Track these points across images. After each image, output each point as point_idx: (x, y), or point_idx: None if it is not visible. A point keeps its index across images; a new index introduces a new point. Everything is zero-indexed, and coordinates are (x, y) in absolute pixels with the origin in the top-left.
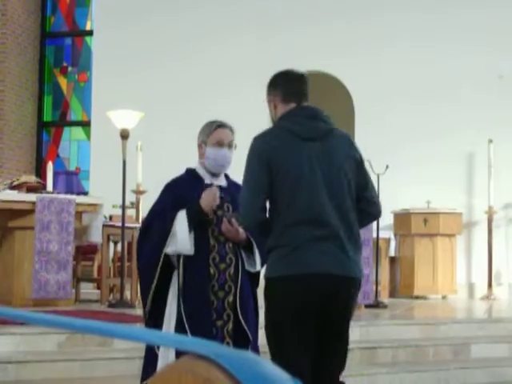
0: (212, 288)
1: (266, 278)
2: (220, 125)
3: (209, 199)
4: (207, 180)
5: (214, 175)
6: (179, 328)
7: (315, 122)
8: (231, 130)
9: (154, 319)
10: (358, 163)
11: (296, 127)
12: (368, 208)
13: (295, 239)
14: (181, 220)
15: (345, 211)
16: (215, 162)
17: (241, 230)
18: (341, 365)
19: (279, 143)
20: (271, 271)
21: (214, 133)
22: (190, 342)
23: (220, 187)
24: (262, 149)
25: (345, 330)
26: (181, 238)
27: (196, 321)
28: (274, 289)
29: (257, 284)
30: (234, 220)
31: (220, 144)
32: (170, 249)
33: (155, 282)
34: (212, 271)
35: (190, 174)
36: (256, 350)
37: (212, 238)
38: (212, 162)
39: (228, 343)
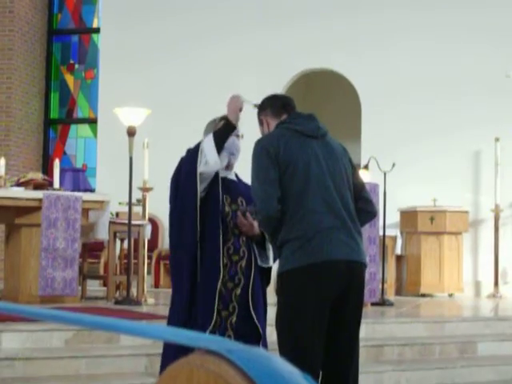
0: (222, 278)
1: (282, 273)
2: (222, 118)
3: (234, 105)
4: (220, 174)
5: (226, 168)
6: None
7: (314, 123)
8: None
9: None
10: (352, 164)
11: (298, 127)
12: (367, 207)
13: (308, 230)
14: (207, 139)
15: (347, 203)
16: (225, 150)
17: (255, 224)
18: (358, 354)
19: (284, 141)
20: (288, 264)
21: (219, 125)
22: (201, 338)
23: (231, 180)
24: (269, 146)
25: (360, 314)
26: (207, 148)
27: (201, 307)
28: (292, 280)
29: (268, 281)
30: (248, 214)
31: None
32: (201, 166)
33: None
34: (225, 261)
35: None
36: (265, 345)
37: (229, 230)
38: (234, 150)
39: (229, 336)
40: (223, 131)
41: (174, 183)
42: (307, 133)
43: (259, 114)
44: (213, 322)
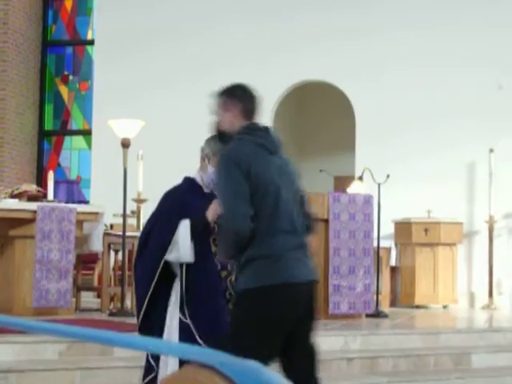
0: None
1: (245, 290)
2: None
3: (216, 211)
4: (206, 189)
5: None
6: (185, 336)
7: (272, 137)
8: None
9: (148, 330)
10: (299, 179)
11: (262, 141)
12: (312, 223)
13: (277, 249)
14: (183, 228)
15: (300, 221)
16: (213, 182)
17: None
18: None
19: (253, 155)
20: (252, 282)
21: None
22: (194, 350)
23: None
24: (240, 159)
25: (313, 327)
26: (183, 246)
27: (206, 328)
28: (257, 299)
29: None
30: None
31: None
32: (171, 256)
33: (151, 290)
34: None
35: (189, 182)
36: None
37: (213, 246)
38: (210, 181)
39: None
40: (200, 227)
41: (143, 242)
42: (269, 148)
43: (227, 99)
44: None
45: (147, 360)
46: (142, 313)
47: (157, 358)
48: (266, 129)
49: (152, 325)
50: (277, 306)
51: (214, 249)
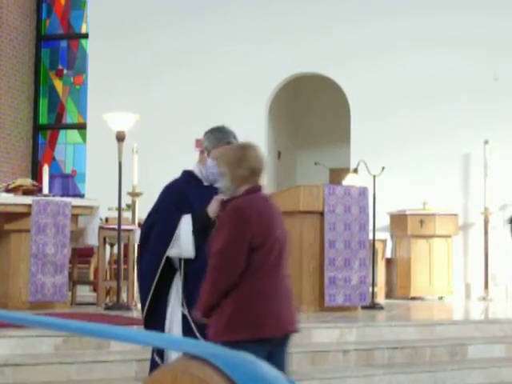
0: None
1: None
2: (228, 142)
3: (217, 207)
4: (205, 182)
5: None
6: (186, 332)
7: None
8: None
9: (153, 323)
10: None
11: None
12: None
13: None
14: (186, 223)
15: None
16: (213, 175)
17: None
18: None
19: None
20: None
21: (220, 148)
22: (186, 342)
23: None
24: None
25: None
26: (185, 241)
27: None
28: None
29: None
30: None
31: None
32: (173, 251)
33: (154, 284)
34: None
35: (188, 175)
36: None
37: None
38: (210, 174)
39: None
40: (201, 222)
41: (144, 237)
42: None
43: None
44: None
45: (152, 355)
46: (145, 308)
47: (162, 354)
48: None
49: (156, 319)
50: None
51: None
